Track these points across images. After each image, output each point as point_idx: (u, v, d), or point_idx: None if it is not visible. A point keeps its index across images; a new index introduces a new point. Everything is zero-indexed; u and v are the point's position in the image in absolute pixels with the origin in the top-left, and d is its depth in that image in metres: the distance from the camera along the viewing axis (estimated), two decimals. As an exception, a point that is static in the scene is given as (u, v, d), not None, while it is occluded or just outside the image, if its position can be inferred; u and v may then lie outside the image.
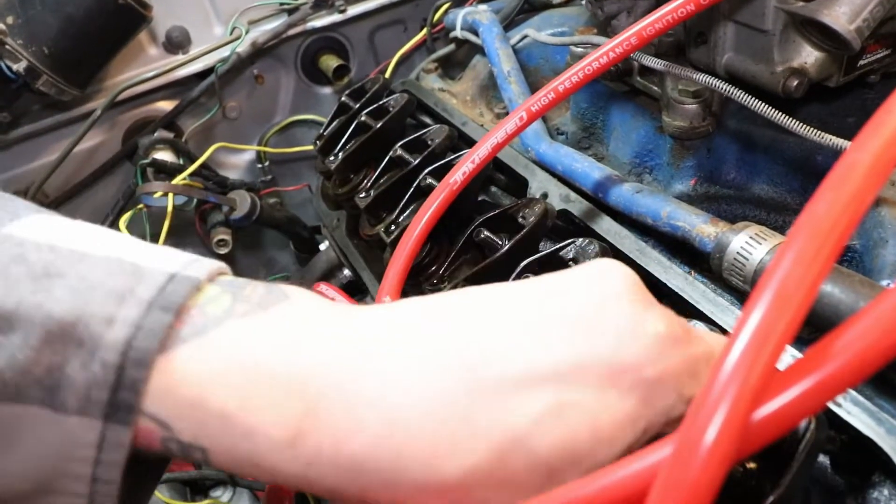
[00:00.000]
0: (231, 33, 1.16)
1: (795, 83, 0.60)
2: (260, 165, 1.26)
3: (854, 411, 0.46)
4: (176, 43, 1.13)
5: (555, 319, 0.35)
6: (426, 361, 0.34)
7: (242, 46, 1.13)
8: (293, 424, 0.33)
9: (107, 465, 0.34)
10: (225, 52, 1.14)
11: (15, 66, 0.92)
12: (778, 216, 0.68)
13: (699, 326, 0.55)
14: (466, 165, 0.64)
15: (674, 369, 0.35)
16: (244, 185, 1.21)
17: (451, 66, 1.21)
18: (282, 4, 1.17)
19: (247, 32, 1.12)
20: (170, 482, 1.20)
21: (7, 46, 0.91)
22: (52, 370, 0.33)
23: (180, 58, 1.12)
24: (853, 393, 0.47)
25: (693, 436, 0.27)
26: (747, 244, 0.54)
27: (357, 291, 1.08)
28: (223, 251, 1.15)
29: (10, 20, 0.91)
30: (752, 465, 0.43)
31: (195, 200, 1.07)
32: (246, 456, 0.34)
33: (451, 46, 1.17)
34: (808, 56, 0.61)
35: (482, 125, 0.97)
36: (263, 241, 1.37)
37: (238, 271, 0.43)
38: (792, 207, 0.68)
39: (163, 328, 0.33)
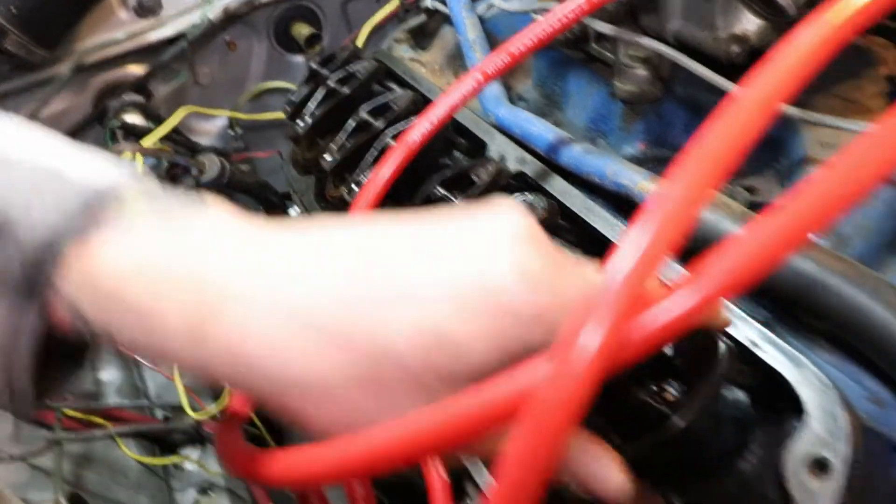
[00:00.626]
0: (203, -1, 1.17)
1: (737, 49, 0.64)
2: (231, 132, 1.28)
3: (767, 348, 0.49)
4: (147, 7, 1.14)
5: (444, 246, 0.37)
6: (318, 274, 0.36)
7: (214, 13, 1.15)
8: (196, 324, 0.36)
9: (20, 335, 0.37)
10: (196, 18, 1.15)
11: (-17, 25, 0.94)
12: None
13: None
14: (423, 125, 0.66)
15: (546, 306, 0.36)
16: (215, 150, 1.23)
17: (423, 37, 1.23)
18: (254, -29, 1.18)
19: (218, -3, 1.14)
20: (138, 438, 1.22)
21: (-25, 5, 0.92)
22: None
23: (151, 22, 1.14)
24: (769, 333, 0.50)
25: (570, 341, 0.30)
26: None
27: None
28: (193, 215, 1.16)
29: (-23, -22, 0.92)
30: (668, 393, 0.47)
31: (164, 163, 1.09)
32: (152, 347, 0.37)
33: (422, 17, 1.19)
34: (749, 23, 0.64)
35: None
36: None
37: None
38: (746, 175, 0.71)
39: (83, 225, 0.36)
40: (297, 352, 0.35)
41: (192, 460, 1.28)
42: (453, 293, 0.36)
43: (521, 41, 0.64)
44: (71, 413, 1.11)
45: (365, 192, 0.66)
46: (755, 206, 0.62)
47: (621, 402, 0.47)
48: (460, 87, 0.66)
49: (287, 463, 0.38)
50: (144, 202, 0.38)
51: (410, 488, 0.72)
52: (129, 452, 1.15)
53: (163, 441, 1.27)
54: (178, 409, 1.21)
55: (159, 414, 1.29)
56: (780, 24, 0.63)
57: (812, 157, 0.61)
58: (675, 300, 0.30)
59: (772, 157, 0.67)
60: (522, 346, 0.37)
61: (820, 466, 0.44)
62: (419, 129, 0.66)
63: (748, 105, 0.31)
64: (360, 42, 1.18)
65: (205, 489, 1.26)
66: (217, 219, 0.39)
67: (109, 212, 0.37)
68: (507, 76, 0.96)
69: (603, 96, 0.79)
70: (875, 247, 0.54)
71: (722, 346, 0.46)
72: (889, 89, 0.68)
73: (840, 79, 0.68)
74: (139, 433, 1.09)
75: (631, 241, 0.31)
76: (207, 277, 0.36)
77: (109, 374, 1.35)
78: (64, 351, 0.41)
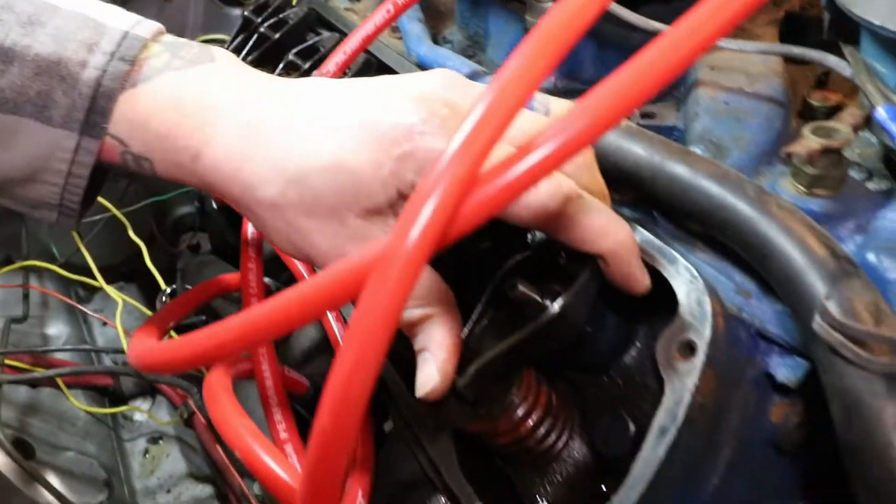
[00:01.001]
0: (136, -52, 1.16)
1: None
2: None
3: (645, 247, 0.52)
4: (79, -44, 1.13)
5: (371, 92, 0.47)
6: (274, 114, 0.47)
7: (148, -38, 1.14)
8: (195, 145, 0.47)
9: (80, 164, 0.49)
10: (131, -31, 1.15)
11: None
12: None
13: None
14: (338, 56, 0.69)
15: (422, 155, 0.43)
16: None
17: (361, -13, 1.24)
18: (187, -80, 1.18)
19: (148, -55, 1.13)
20: (88, 390, 1.24)
21: None
22: (41, 94, 0.47)
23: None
24: (649, 236, 0.53)
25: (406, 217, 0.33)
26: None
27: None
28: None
29: None
30: (550, 289, 0.50)
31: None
32: (174, 166, 0.49)
33: (358, -33, 1.19)
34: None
35: (384, 42, 1.01)
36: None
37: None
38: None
39: (122, 73, 0.48)
40: (255, 177, 0.46)
41: (141, 411, 1.30)
42: (360, 129, 0.44)
43: (428, -29, 0.66)
44: (14, 363, 1.12)
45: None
46: (651, 130, 0.65)
47: (508, 298, 0.50)
48: (373, 19, 0.68)
49: (153, 353, 0.43)
50: (167, 51, 0.50)
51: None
52: (76, 402, 1.17)
53: (112, 393, 1.29)
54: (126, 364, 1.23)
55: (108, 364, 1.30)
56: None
57: (703, 79, 0.64)
58: (505, 173, 0.34)
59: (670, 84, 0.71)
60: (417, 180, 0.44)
61: (687, 349, 0.48)
62: (333, 60, 0.68)
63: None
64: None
65: (155, 439, 1.28)
66: (219, 66, 0.50)
67: (141, 57, 0.49)
68: (434, 21, 0.98)
69: (519, 34, 0.82)
70: (751, 157, 0.58)
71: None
72: (781, 18, 0.72)
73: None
74: (77, 375, 1.10)
75: (470, 118, 0.34)
76: (207, 112, 0.47)
77: (57, 329, 1.36)
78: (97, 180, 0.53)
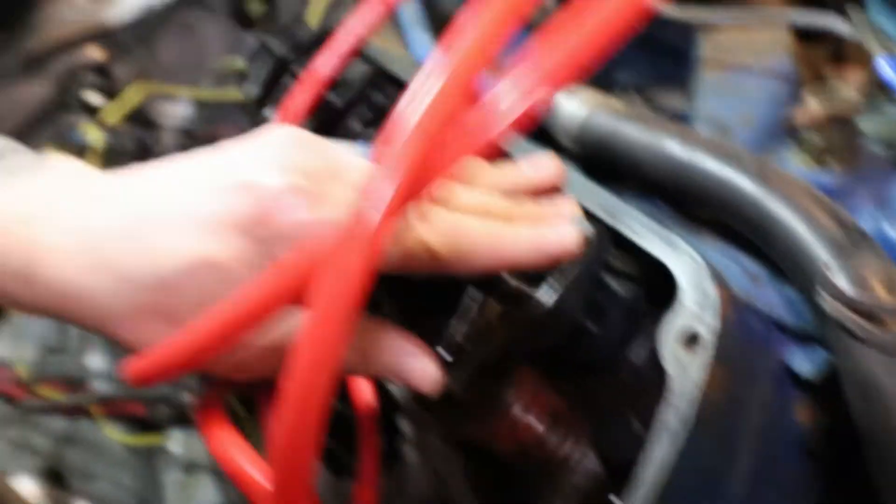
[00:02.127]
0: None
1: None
2: (196, 111, 1.31)
3: (645, 234, 0.49)
4: (101, -9, 1.17)
5: (213, 169, 0.41)
6: (106, 216, 0.41)
7: (168, -6, 1.18)
8: (24, 266, 0.41)
9: None
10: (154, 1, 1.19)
11: (-66, 12, 0.97)
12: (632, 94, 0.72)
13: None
14: (328, 57, 0.68)
15: (311, 222, 0.39)
16: (177, 129, 1.26)
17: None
18: (204, -49, 1.21)
19: (166, -24, 1.17)
20: (123, 420, 1.25)
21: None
22: None
23: (109, 5, 1.17)
24: (649, 222, 0.50)
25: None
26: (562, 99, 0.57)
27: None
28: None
29: (-75, -33, 0.96)
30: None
31: (127, 141, 1.12)
32: (3, 294, 0.42)
33: (371, -15, 1.20)
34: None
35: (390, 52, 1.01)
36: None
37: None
38: (644, 85, 0.71)
39: None
40: (98, 293, 0.40)
41: (176, 441, 1.31)
42: (219, 218, 0.39)
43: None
44: (50, 392, 1.14)
45: (283, 117, 0.68)
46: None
47: (498, 294, 0.48)
48: (364, 14, 0.67)
49: (135, 365, 0.41)
50: None
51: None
52: (110, 431, 1.18)
53: (147, 422, 1.30)
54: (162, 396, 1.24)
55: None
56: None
57: (705, 60, 0.61)
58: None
59: (675, 69, 0.68)
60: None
61: (692, 339, 0.44)
62: (325, 60, 0.68)
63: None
64: (315, 13, 1.21)
65: (189, 468, 1.29)
66: (50, 172, 0.44)
67: None
68: (439, 32, 0.97)
69: (524, 32, 0.80)
70: (758, 134, 0.54)
71: (589, 230, 0.47)
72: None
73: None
74: (110, 404, 1.11)
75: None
76: (32, 224, 0.41)
77: (93, 359, 1.38)
78: None
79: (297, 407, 0.34)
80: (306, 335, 0.33)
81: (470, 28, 0.33)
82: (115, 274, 0.40)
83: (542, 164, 0.48)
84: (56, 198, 0.42)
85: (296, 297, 0.36)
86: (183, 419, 1.31)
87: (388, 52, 0.97)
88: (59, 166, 0.45)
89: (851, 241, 0.39)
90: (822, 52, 0.65)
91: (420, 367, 0.43)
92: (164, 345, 0.40)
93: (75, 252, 0.41)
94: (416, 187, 0.32)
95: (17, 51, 1.14)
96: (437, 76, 0.32)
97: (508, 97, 0.32)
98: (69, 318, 0.43)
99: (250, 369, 0.46)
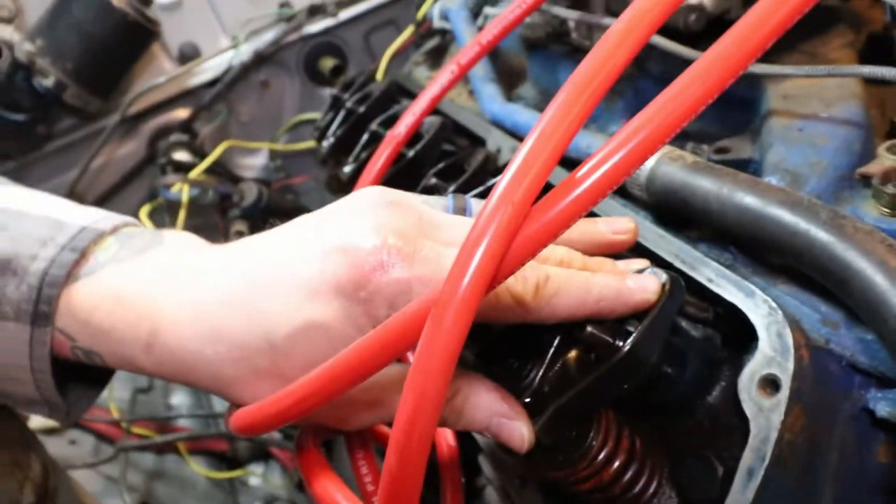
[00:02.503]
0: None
1: (693, 17, 0.67)
2: (272, 163, 1.38)
3: (722, 283, 0.51)
4: (187, 55, 1.26)
5: (311, 242, 0.44)
6: (217, 288, 0.45)
7: (247, 55, 1.26)
8: (144, 338, 0.45)
9: (38, 358, 0.48)
10: (234, 62, 1.27)
11: (45, 82, 1.07)
12: (702, 143, 0.74)
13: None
14: (407, 118, 0.72)
15: (408, 281, 0.41)
16: (256, 180, 1.33)
17: (439, 56, 1.30)
18: (279, 14, 1.29)
19: (245, 40, 1.25)
20: (207, 456, 1.31)
21: (37, 65, 1.06)
22: None
23: (192, 68, 1.26)
24: (725, 270, 0.52)
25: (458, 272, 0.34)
26: (641, 156, 0.60)
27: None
28: (241, 241, 1.26)
29: (38, 42, 1.06)
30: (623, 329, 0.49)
31: (210, 194, 1.19)
32: (124, 359, 0.47)
33: (437, 39, 1.26)
34: (703, -8, 0.67)
35: (461, 104, 1.05)
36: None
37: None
38: (714, 135, 0.73)
39: (70, 263, 0.47)
40: (216, 361, 0.44)
41: (256, 475, 1.35)
42: (321, 283, 0.42)
43: (488, 32, 0.69)
44: (140, 430, 1.20)
45: (359, 186, 0.72)
46: (726, 164, 0.64)
47: (577, 341, 0.50)
48: (439, 80, 0.72)
49: (244, 416, 0.45)
50: (116, 242, 0.50)
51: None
52: (196, 466, 1.24)
53: (229, 458, 1.35)
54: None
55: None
56: (730, -12, 0.66)
57: (774, 109, 0.63)
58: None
59: (744, 118, 0.70)
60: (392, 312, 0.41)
61: (770, 384, 0.45)
62: (404, 122, 0.72)
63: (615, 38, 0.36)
64: (381, 69, 1.27)
65: (269, 501, 1.33)
66: (165, 251, 0.49)
67: (91, 249, 0.48)
68: (508, 80, 1.01)
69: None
70: (829, 182, 0.56)
71: (665, 278, 0.49)
72: (856, 40, 0.70)
73: (807, 36, 0.70)
74: (195, 441, 1.17)
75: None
76: (150, 300, 0.46)
77: (178, 398, 1.45)
78: (81, 372, 0.52)
79: (404, 453, 0.37)
80: (410, 390, 0.36)
81: (561, 98, 0.36)
82: (231, 342, 0.44)
83: (620, 224, 0.50)
84: (173, 273, 0.47)
85: (393, 356, 0.39)
86: (262, 454, 1.36)
87: (456, 103, 1.01)
88: (174, 242, 0.50)
89: (928, 290, 0.40)
90: (893, 94, 0.66)
91: (511, 429, 0.45)
92: (269, 401, 0.44)
93: (192, 323, 0.44)
94: (508, 252, 0.35)
95: (113, 114, 1.23)
96: (533, 148, 0.35)
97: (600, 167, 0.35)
98: (190, 383, 0.47)
99: (347, 421, 0.49)
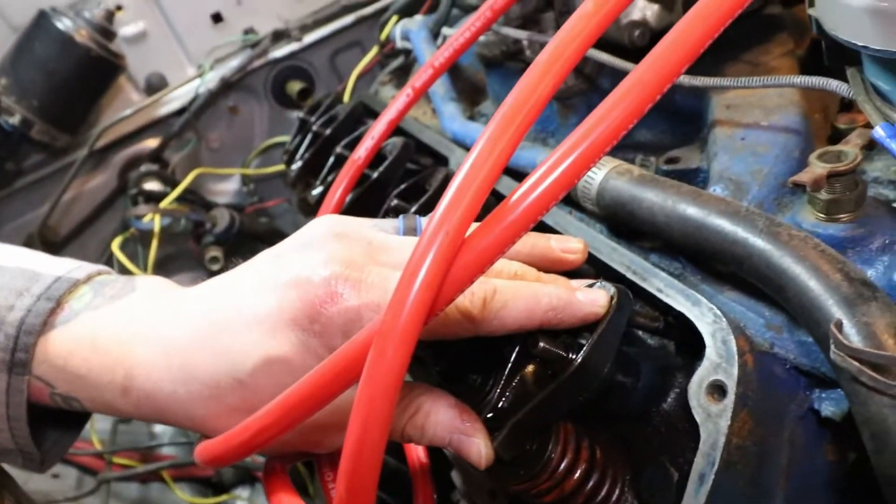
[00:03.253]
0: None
1: (637, 33, 0.69)
2: (244, 188, 1.39)
3: (670, 293, 0.52)
4: (154, 86, 1.27)
5: (267, 280, 0.47)
6: (186, 328, 0.47)
7: (214, 83, 1.27)
8: (120, 382, 0.47)
9: (14, 405, 0.49)
10: (201, 90, 1.28)
11: (11, 120, 1.08)
12: (654, 155, 0.76)
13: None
14: (367, 142, 0.74)
15: (341, 319, 0.44)
16: (228, 205, 1.34)
17: (404, 75, 1.32)
18: (244, 41, 1.30)
19: (211, 68, 1.26)
20: (192, 483, 1.31)
21: (3, 104, 1.07)
22: None
23: (158, 98, 1.27)
24: (674, 281, 0.53)
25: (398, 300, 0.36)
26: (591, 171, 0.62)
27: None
28: (216, 267, 1.27)
29: (2, 81, 1.06)
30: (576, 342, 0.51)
31: (183, 222, 1.20)
32: (103, 403, 0.49)
33: (401, 58, 1.28)
34: (645, 9, 0.69)
35: (424, 123, 1.07)
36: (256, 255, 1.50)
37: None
38: (666, 146, 0.75)
39: (46, 312, 0.49)
40: (190, 401, 0.46)
41: (242, 499, 1.35)
42: (277, 319, 0.44)
43: (441, 55, 0.71)
44: (122, 461, 1.20)
45: (322, 211, 0.73)
46: (675, 174, 0.66)
47: (532, 356, 0.51)
48: (395, 105, 0.73)
49: (209, 449, 0.47)
50: (91, 291, 0.51)
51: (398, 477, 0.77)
52: (181, 494, 1.24)
53: (214, 483, 1.35)
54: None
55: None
56: (671, 4, 0.69)
57: (718, 119, 0.65)
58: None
59: (692, 128, 0.71)
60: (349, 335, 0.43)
61: (717, 390, 0.47)
62: (364, 146, 0.73)
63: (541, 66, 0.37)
64: (348, 89, 1.28)
65: (255, 526, 1.33)
66: (137, 297, 0.51)
67: (66, 297, 0.50)
68: (470, 96, 1.03)
69: (550, 104, 0.85)
70: (770, 189, 0.57)
71: (612, 291, 0.50)
72: (797, 47, 0.72)
73: (749, 46, 0.72)
74: (179, 468, 1.17)
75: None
76: (123, 345, 0.48)
77: (161, 427, 1.44)
78: (59, 417, 0.53)
79: (353, 480, 0.38)
80: (356, 419, 0.37)
81: (490, 130, 0.37)
82: (201, 382, 0.46)
83: (570, 244, 0.52)
84: (145, 318, 0.49)
85: (346, 384, 0.41)
86: (248, 478, 1.36)
87: (420, 122, 1.03)
88: (146, 287, 0.52)
89: (859, 295, 0.41)
90: (835, 99, 0.68)
91: (469, 445, 0.47)
92: (231, 433, 0.45)
93: (164, 365, 0.47)
94: (446, 279, 0.37)
95: (82, 147, 1.23)
96: (475, 163, 0.36)
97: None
98: (168, 422, 0.49)
99: (320, 444, 0.50)
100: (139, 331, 0.48)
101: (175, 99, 1.28)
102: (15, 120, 1.08)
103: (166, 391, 0.46)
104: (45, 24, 1.09)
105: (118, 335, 0.48)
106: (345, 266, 0.44)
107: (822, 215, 0.51)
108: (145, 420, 0.49)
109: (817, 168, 0.48)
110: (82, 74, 1.12)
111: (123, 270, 1.17)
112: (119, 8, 1.19)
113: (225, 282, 0.49)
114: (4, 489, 0.65)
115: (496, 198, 0.66)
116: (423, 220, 0.57)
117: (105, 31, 1.14)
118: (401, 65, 1.28)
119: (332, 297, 0.43)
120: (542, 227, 0.66)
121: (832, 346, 0.40)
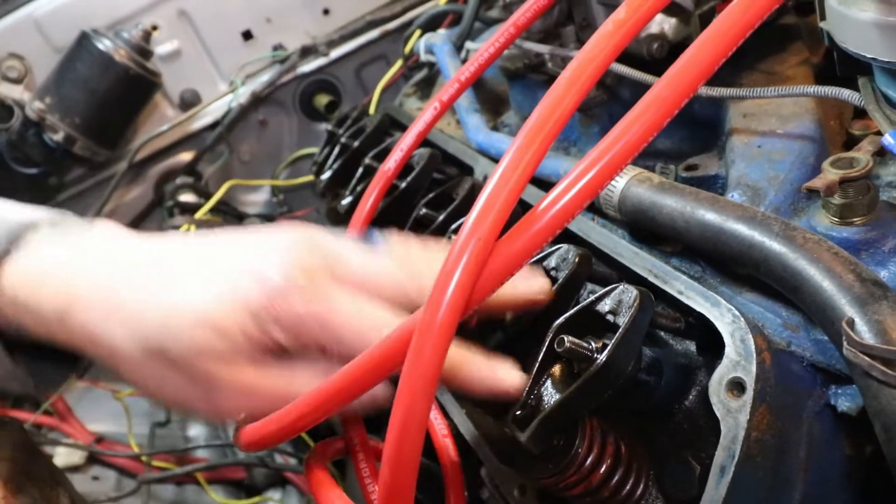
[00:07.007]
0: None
1: (656, 46, 0.72)
2: (274, 198, 1.44)
3: (691, 294, 0.55)
4: (188, 102, 1.32)
5: (231, 253, 0.52)
6: (134, 275, 0.52)
7: (245, 97, 1.31)
8: (61, 311, 0.51)
9: None
10: (233, 104, 1.33)
11: (55, 137, 1.13)
12: (674, 162, 0.78)
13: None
14: (396, 154, 0.77)
15: (285, 317, 0.48)
16: (260, 216, 1.38)
17: (428, 87, 1.36)
18: (273, 57, 1.35)
19: (242, 84, 1.31)
20: (226, 485, 1.34)
21: (47, 121, 1.12)
22: None
23: (192, 114, 1.32)
24: (693, 283, 0.55)
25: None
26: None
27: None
28: (248, 275, 1.31)
29: (47, 100, 1.12)
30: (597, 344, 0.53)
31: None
32: (43, 329, 0.53)
33: (425, 71, 1.31)
34: (663, 22, 0.72)
35: (449, 133, 1.10)
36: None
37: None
38: (685, 153, 0.77)
39: (8, 249, 0.53)
40: (117, 338, 0.50)
41: (274, 501, 1.38)
42: (225, 288, 0.48)
43: (466, 70, 0.74)
44: (159, 463, 1.24)
45: (354, 220, 0.77)
46: (694, 181, 0.68)
47: (559, 355, 0.54)
48: (423, 117, 0.76)
49: (251, 432, 0.50)
50: (48, 228, 0.56)
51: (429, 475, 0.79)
52: (214, 495, 1.27)
53: (247, 485, 1.39)
54: (260, 461, 1.33)
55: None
56: (687, 18, 0.71)
57: (735, 127, 0.67)
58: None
59: (711, 136, 0.74)
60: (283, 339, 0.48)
61: (736, 386, 0.49)
62: (393, 157, 0.77)
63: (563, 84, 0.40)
64: (373, 102, 1.32)
65: (287, 527, 1.36)
66: (94, 234, 0.56)
67: (25, 236, 0.54)
68: (493, 107, 1.06)
69: (567, 109, 0.88)
70: (786, 195, 0.60)
71: (635, 294, 0.52)
72: (813, 55, 0.74)
73: (765, 55, 0.75)
74: (213, 470, 1.20)
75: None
76: (69, 278, 0.52)
77: (196, 430, 1.48)
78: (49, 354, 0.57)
79: (395, 465, 0.41)
80: (399, 407, 0.40)
81: (518, 142, 0.40)
82: (131, 324, 0.50)
83: (535, 282, 0.56)
84: (94, 256, 0.53)
85: (382, 376, 0.44)
86: (279, 480, 1.39)
87: (445, 133, 1.06)
88: (103, 230, 0.56)
89: (871, 294, 0.44)
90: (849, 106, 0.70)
91: (502, 374, 0.51)
92: (273, 418, 0.48)
93: (103, 303, 0.51)
94: (478, 282, 0.40)
95: (121, 161, 1.28)
96: (503, 174, 0.39)
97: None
98: (92, 356, 0.53)
99: None
100: (87, 267, 0.52)
101: (208, 114, 1.33)
102: (59, 137, 1.14)
103: (98, 327, 0.50)
104: (87, 44, 1.15)
105: (67, 266, 0.53)
106: (304, 276, 0.49)
107: (836, 219, 0.53)
108: (76, 349, 0.53)
109: (830, 174, 0.50)
110: (122, 92, 1.17)
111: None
112: (155, 28, 1.24)
113: (186, 246, 0.53)
114: (60, 486, 0.69)
115: (521, 206, 0.69)
116: (376, 233, 0.60)
117: (142, 50, 1.19)
118: (424, 77, 1.32)
119: (286, 301, 0.48)
120: (567, 234, 0.68)
121: (845, 343, 0.42)
